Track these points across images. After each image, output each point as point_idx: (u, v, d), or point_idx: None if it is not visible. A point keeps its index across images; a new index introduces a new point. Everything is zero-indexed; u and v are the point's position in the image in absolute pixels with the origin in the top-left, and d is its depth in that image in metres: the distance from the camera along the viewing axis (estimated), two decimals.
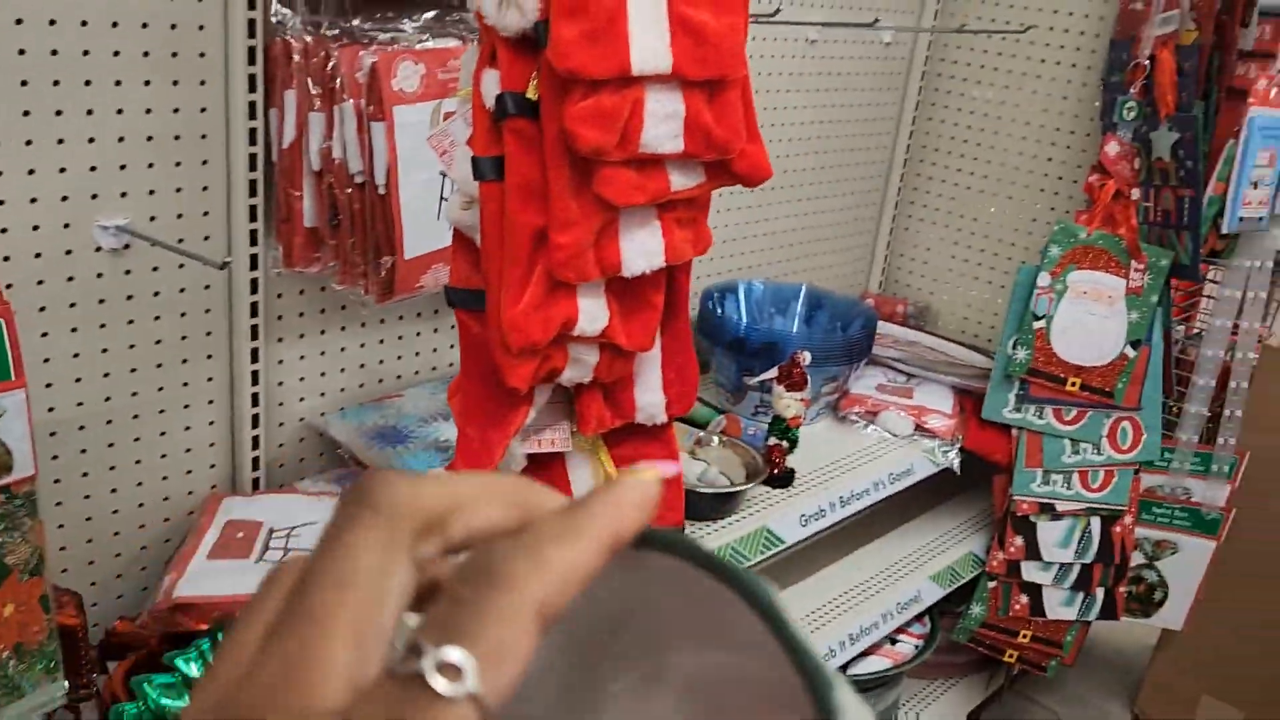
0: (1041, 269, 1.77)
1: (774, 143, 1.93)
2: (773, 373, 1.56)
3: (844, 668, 1.70)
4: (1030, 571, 1.88)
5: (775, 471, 1.54)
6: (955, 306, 2.24)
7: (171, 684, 1.13)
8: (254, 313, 1.31)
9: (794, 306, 1.91)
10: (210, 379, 1.34)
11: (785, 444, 1.54)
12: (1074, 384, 1.78)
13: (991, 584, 1.90)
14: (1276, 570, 2.07)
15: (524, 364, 0.83)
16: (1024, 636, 1.94)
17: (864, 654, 1.74)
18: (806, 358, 1.54)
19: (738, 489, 1.43)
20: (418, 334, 1.55)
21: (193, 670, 1.14)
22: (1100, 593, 1.91)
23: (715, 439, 1.55)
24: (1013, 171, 2.14)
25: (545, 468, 0.93)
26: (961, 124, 2.18)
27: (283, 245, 1.27)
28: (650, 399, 0.93)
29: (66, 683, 1.00)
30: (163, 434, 1.32)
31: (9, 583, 0.93)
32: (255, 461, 1.40)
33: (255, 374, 1.36)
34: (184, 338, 1.29)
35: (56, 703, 0.99)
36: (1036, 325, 1.77)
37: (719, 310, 1.81)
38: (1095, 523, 1.86)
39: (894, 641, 1.80)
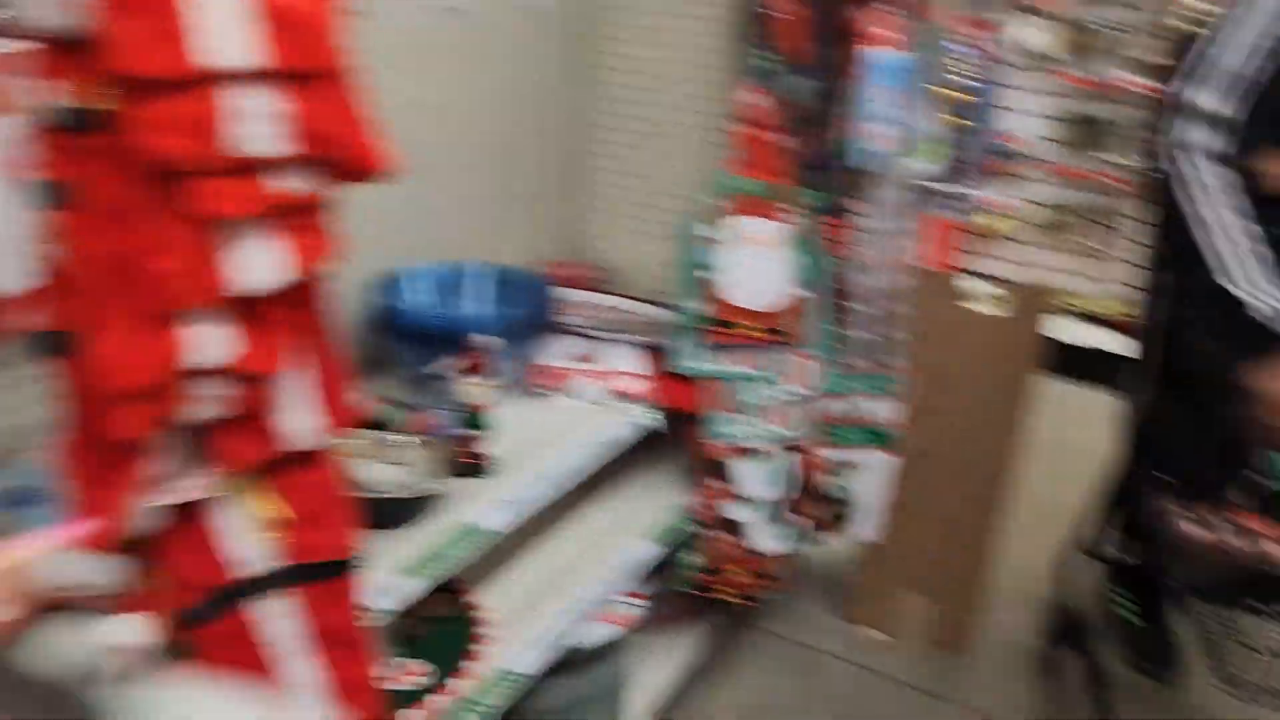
0: (704, 220, 1.82)
1: (430, 120, 1.85)
2: (452, 360, 1.50)
3: (569, 641, 1.69)
4: (734, 512, 1.95)
5: (470, 462, 1.49)
6: (643, 266, 2.27)
7: None
8: None
9: (471, 286, 1.86)
10: None
11: (475, 432, 1.49)
12: (749, 327, 1.86)
13: (702, 531, 1.96)
14: (947, 472, 2.28)
15: (131, 410, 0.73)
16: (737, 575, 2.02)
17: (588, 624, 1.74)
18: (486, 341, 1.50)
19: (427, 488, 1.37)
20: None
21: None
22: (799, 521, 2.03)
23: (404, 438, 1.48)
24: (678, 128, 2.18)
25: (186, 518, 0.83)
26: (629, 84, 2.19)
27: None
28: (300, 424, 0.85)
29: None
30: None
31: None
32: None
33: None
34: None
35: None
36: (706, 276, 1.82)
37: (392, 300, 1.72)
38: (786, 456, 1.96)
39: (616, 605, 1.82)
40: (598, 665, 1.76)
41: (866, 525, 2.30)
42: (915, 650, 2.45)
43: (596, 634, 1.74)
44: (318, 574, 0.90)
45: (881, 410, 2.16)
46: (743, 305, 1.83)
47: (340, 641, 0.92)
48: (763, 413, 1.91)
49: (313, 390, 0.86)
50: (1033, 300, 2.14)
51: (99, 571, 0.83)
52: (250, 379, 0.80)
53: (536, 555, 1.74)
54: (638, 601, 1.85)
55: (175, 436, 0.80)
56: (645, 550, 1.82)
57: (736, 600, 2.08)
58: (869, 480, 2.22)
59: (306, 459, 0.88)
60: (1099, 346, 3.97)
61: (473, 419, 1.49)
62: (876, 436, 2.19)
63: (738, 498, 1.93)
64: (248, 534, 0.86)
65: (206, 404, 0.78)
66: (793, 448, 1.96)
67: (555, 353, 1.86)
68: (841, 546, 2.48)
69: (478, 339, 1.49)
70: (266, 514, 0.86)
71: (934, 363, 2.21)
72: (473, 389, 1.48)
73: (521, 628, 1.56)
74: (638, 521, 1.86)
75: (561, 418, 1.72)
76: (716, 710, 2.21)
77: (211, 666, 0.84)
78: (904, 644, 2.46)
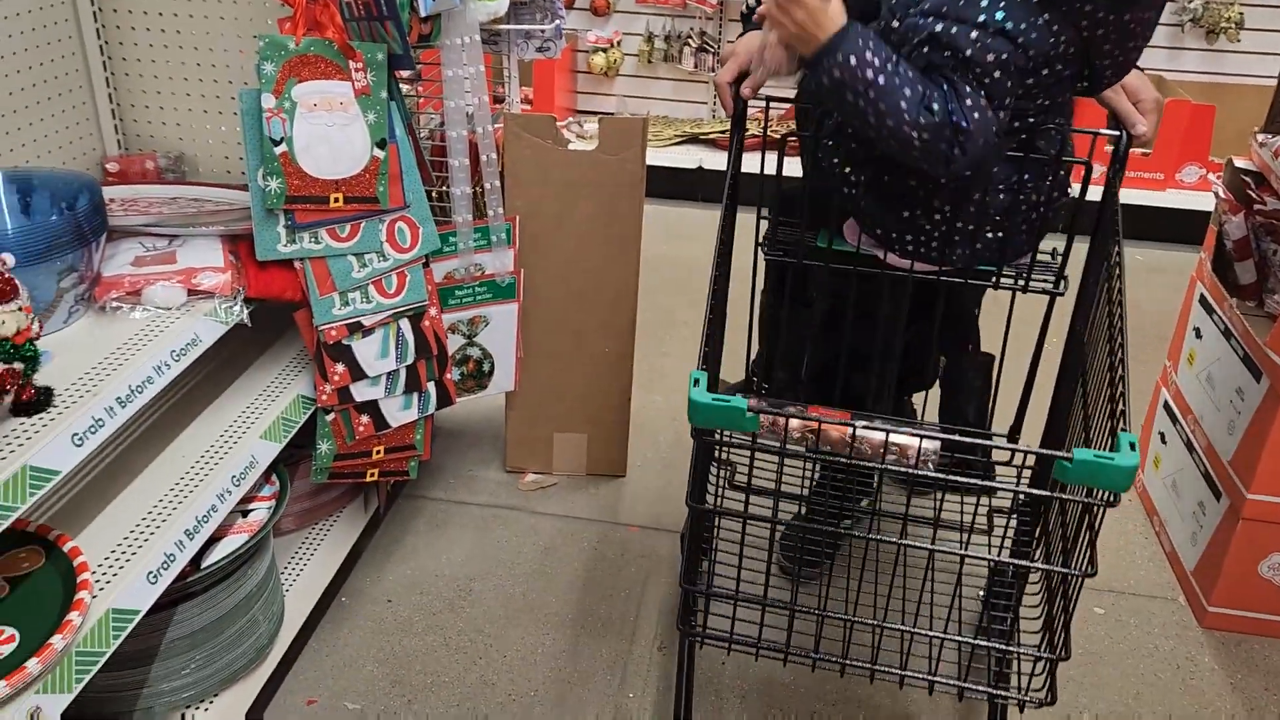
0: (263, 90, 1.67)
1: None
2: None
3: (196, 560, 1.59)
4: (361, 391, 1.89)
5: (21, 399, 1.31)
6: (210, 148, 2.07)
7: None
8: None
9: None
10: None
11: (20, 365, 1.31)
12: (337, 199, 1.75)
13: (329, 417, 1.88)
14: (571, 308, 2.33)
15: None
16: (378, 453, 1.98)
17: (214, 540, 1.65)
18: (7, 260, 1.30)
19: None
20: None
21: None
22: (431, 386, 2.00)
23: None
24: None
25: None
26: None
27: None
28: None
29: None
30: None
31: None
32: None
33: None
34: None
35: None
36: (278, 150, 1.68)
37: None
38: (405, 325, 1.91)
39: (246, 514, 1.73)
40: (230, 579, 1.67)
41: (504, 377, 2.31)
42: (577, 484, 2.55)
43: (226, 546, 1.65)
44: None
45: (496, 262, 2.15)
46: (327, 176, 1.72)
47: None
48: (373, 286, 1.83)
49: None
50: (628, 132, 2.18)
51: None
52: None
53: (143, 479, 1.60)
54: (266, 504, 1.76)
55: None
56: (264, 450, 1.73)
57: (382, 478, 2.04)
58: (498, 333, 2.23)
59: None
60: (713, 167, 4.18)
61: (12, 351, 1.30)
62: (496, 289, 2.18)
63: (361, 376, 1.86)
64: None
65: None
66: (408, 315, 1.90)
67: (123, 260, 1.67)
68: (489, 400, 2.50)
69: (0, 259, 1.30)
70: None
71: (540, 206, 2.22)
72: (4, 317, 1.29)
73: (129, 562, 1.44)
74: (256, 421, 1.75)
75: (135, 330, 1.55)
76: (389, 588, 2.20)
77: None
78: (564, 481, 2.56)
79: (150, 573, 1.45)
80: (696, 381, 1.35)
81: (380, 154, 1.77)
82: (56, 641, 1.25)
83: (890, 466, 1.43)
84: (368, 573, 2.23)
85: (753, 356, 2.07)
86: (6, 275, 1.29)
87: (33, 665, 1.21)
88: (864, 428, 1.40)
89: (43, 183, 1.63)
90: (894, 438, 1.42)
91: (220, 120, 2.04)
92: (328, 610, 2.12)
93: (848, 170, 1.68)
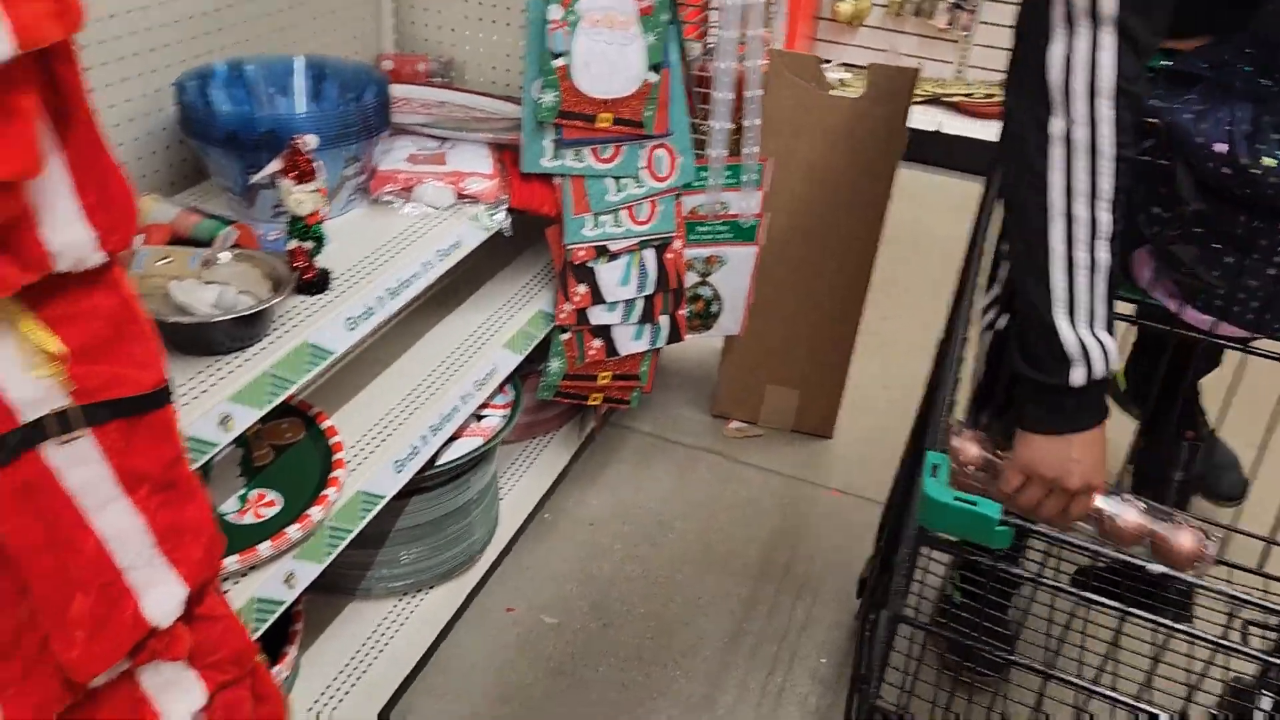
0: (551, 1, 1.66)
1: None
2: (276, 166, 1.35)
3: (433, 459, 1.63)
4: (598, 315, 1.89)
5: (304, 278, 1.36)
6: (479, 57, 2.09)
7: None
8: None
9: (294, 83, 1.66)
10: None
11: (309, 244, 1.36)
12: (605, 119, 1.74)
13: (564, 336, 1.89)
14: (806, 261, 2.26)
15: None
16: (604, 378, 1.98)
17: (451, 439, 1.68)
18: (310, 142, 1.34)
19: (261, 307, 1.25)
20: None
21: None
22: (664, 320, 1.98)
23: (227, 255, 1.33)
24: None
25: None
26: None
27: None
28: (69, 237, 0.72)
29: None
30: None
31: None
32: None
33: None
34: None
35: None
36: (557, 64, 1.68)
37: (203, 101, 1.53)
38: (649, 255, 1.89)
39: (480, 418, 1.76)
40: (462, 479, 1.71)
41: (731, 320, 2.27)
42: (782, 439, 2.50)
43: (460, 448, 1.69)
44: (116, 411, 0.79)
45: (742, 203, 2.10)
46: (598, 95, 1.70)
47: (158, 483, 0.82)
48: (625, 211, 1.81)
49: (80, 196, 0.73)
50: (896, 82, 2.07)
51: None
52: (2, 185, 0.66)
53: (394, 371, 1.65)
54: (500, 412, 1.79)
55: None
56: (505, 359, 1.75)
57: (603, 403, 2.04)
58: (732, 275, 2.18)
59: (85, 279, 0.75)
60: (953, 132, 3.98)
61: (304, 231, 1.35)
62: (738, 230, 2.13)
63: (600, 300, 1.86)
64: (24, 371, 0.74)
65: None
66: (654, 245, 1.88)
67: (398, 156, 1.71)
68: (706, 343, 2.47)
69: (305, 141, 1.33)
70: (42, 347, 0.74)
71: (793, 150, 2.15)
72: (303, 197, 1.33)
73: (379, 448, 1.49)
74: (499, 330, 1.77)
75: (406, 225, 1.59)
76: (591, 513, 2.22)
77: (12, 523, 0.74)
78: (772, 434, 2.51)
79: (397, 461, 1.49)
80: (935, 469, 1.07)
81: (653, 78, 1.74)
82: (315, 513, 1.30)
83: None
84: (572, 494, 2.25)
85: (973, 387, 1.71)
86: (309, 156, 1.33)
87: (293, 531, 1.27)
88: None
89: (334, 72, 1.68)
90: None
91: (493, 30, 2.05)
92: (531, 524, 2.15)
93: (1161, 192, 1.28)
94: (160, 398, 0.81)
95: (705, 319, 2.24)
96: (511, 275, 1.92)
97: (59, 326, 0.75)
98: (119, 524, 0.80)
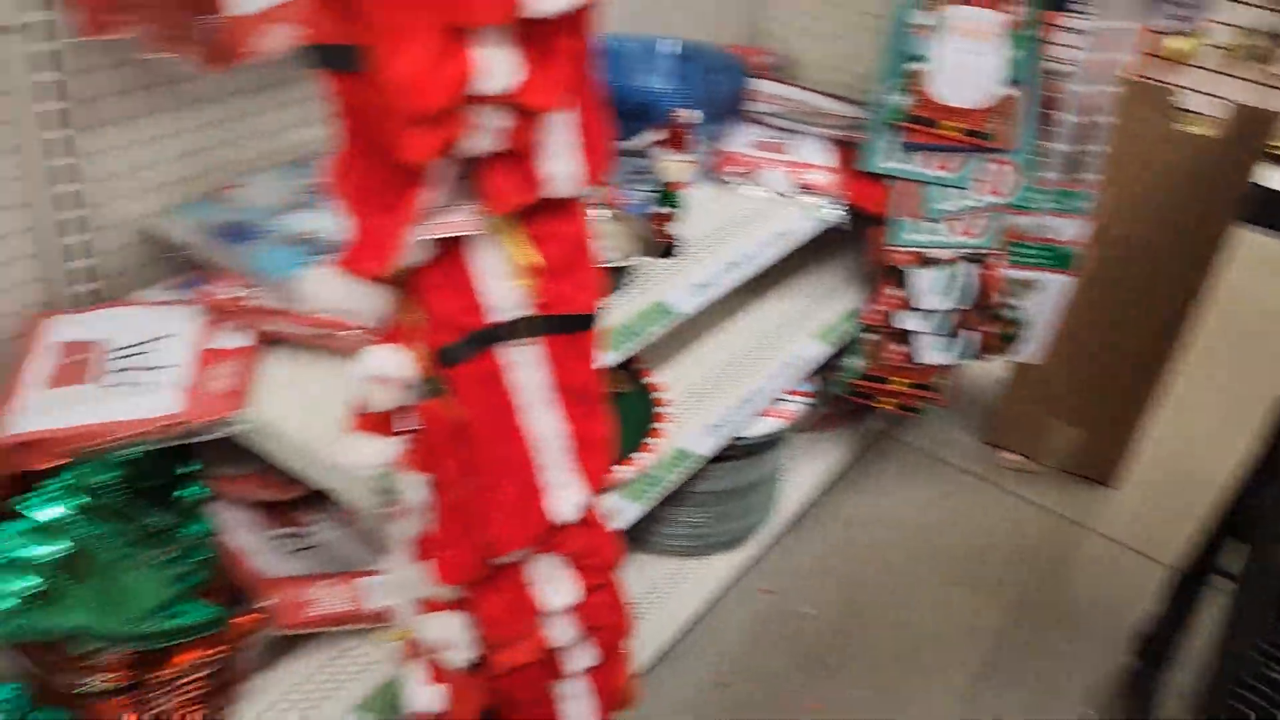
0: (919, 5, 1.68)
1: None
2: (653, 135, 1.45)
3: (737, 429, 1.70)
4: (906, 320, 1.90)
5: (661, 241, 1.46)
6: (822, 56, 2.14)
7: (27, 530, 1.00)
8: (60, 94, 1.09)
9: (663, 62, 1.77)
10: (18, 178, 1.12)
11: (670, 211, 1.45)
12: (951, 127, 1.74)
13: (868, 336, 1.92)
14: (1126, 303, 2.18)
15: (422, 133, 0.70)
16: (899, 384, 1.99)
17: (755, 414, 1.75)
18: (692, 116, 1.43)
19: (627, 263, 1.35)
20: (258, 111, 1.35)
21: (50, 513, 1.02)
22: (970, 335, 1.96)
23: (597, 212, 1.44)
24: None
25: (448, 255, 0.81)
26: None
27: (78, 5, 1.04)
28: (561, 168, 0.82)
29: None
30: None
31: None
32: (84, 273, 1.22)
33: (70, 169, 1.15)
34: None
35: None
36: (914, 67, 1.70)
37: None
38: (967, 268, 1.88)
39: (782, 401, 1.81)
40: (759, 456, 1.77)
41: (1032, 347, 2.22)
42: (1057, 479, 2.42)
43: (761, 426, 1.75)
44: (564, 326, 0.89)
45: (1068, 229, 2.05)
46: (948, 102, 1.72)
47: (580, 397, 0.92)
48: (950, 220, 1.82)
49: (576, 135, 0.82)
50: (1255, 124, 1.96)
51: (366, 299, 0.83)
52: (526, 112, 0.76)
53: (711, 342, 1.73)
54: (801, 399, 1.84)
55: (449, 167, 0.77)
56: (814, 349, 1.79)
57: (893, 409, 2.05)
58: (1043, 301, 2.13)
59: (562, 207, 0.85)
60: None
61: (667, 197, 1.44)
62: (1058, 257, 2.08)
63: (912, 306, 1.87)
64: (502, 278, 0.84)
65: (484, 135, 0.75)
66: (974, 259, 1.87)
67: (743, 140, 1.79)
68: (995, 367, 2.42)
69: (681, 114, 1.43)
70: (521, 260, 0.84)
71: (1131, 184, 2.07)
72: (671, 166, 1.43)
73: (696, 411, 1.57)
74: (810, 319, 1.82)
75: (747, 206, 1.66)
76: (853, 515, 2.24)
77: (464, 407, 0.85)
78: (1047, 472, 2.44)
79: (711, 425, 1.56)
80: None
81: (1008, 92, 1.74)
82: (643, 458, 1.39)
83: None
84: (837, 494, 2.27)
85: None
86: (688, 130, 1.42)
87: (624, 471, 1.36)
88: None
89: (699, 54, 1.77)
90: None
91: (840, 30, 2.09)
92: (797, 515, 2.19)
93: None
94: (594, 320, 0.91)
95: (1005, 342, 2.20)
96: (825, 268, 1.96)
97: (540, 244, 0.85)
98: (546, 426, 0.90)
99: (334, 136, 0.77)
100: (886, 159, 1.77)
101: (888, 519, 2.24)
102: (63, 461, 1.05)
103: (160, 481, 1.10)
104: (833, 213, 1.71)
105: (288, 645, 1.12)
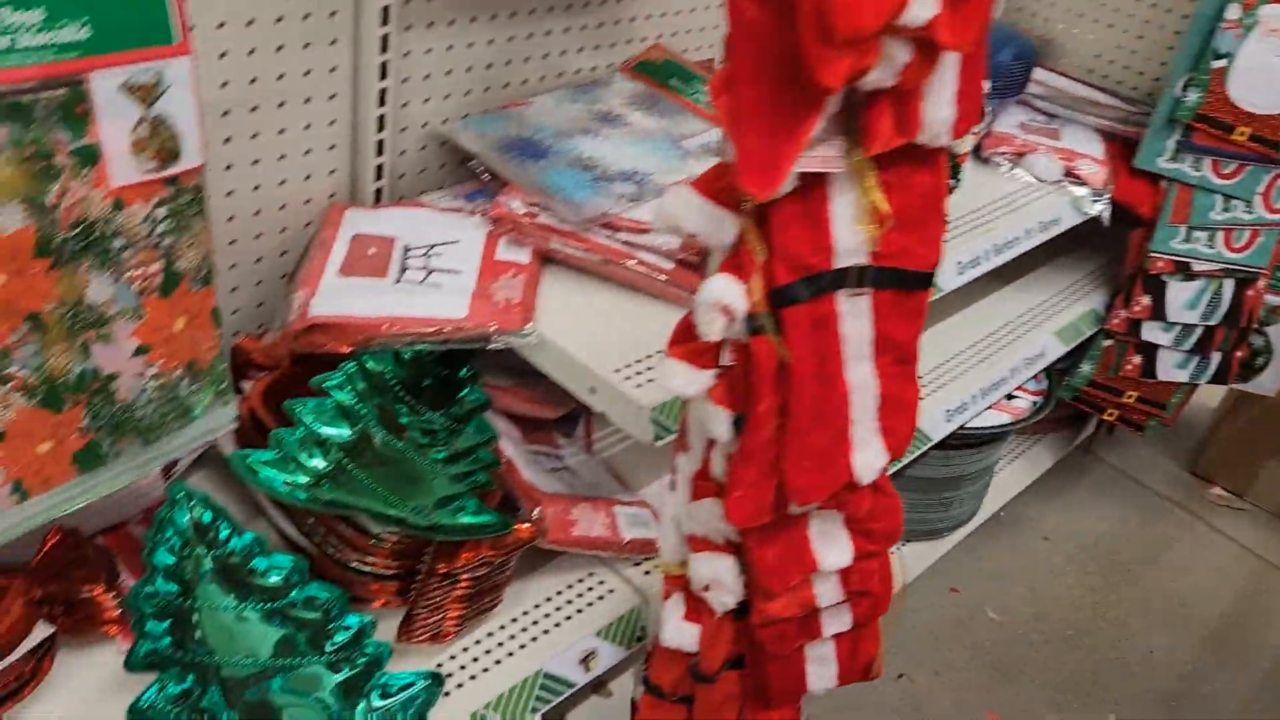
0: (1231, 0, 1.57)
1: None
2: None
3: (966, 417, 1.64)
4: (1151, 331, 1.80)
5: None
6: (1084, 44, 2.02)
7: (326, 409, 1.03)
8: None
9: None
10: (334, 69, 1.15)
11: (952, 184, 1.39)
12: (1242, 133, 1.63)
13: (1107, 342, 1.82)
14: None
15: (843, 57, 0.68)
16: (1129, 396, 1.89)
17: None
18: (984, 86, 1.37)
19: None
20: (547, 32, 1.35)
21: (345, 397, 1.04)
22: (1217, 356, 1.85)
23: None
24: None
25: (808, 191, 0.79)
26: None
27: None
28: (939, 114, 0.78)
29: (235, 409, 0.89)
30: (281, 131, 1.15)
31: (179, 292, 0.79)
32: (378, 170, 1.24)
33: (383, 66, 1.17)
34: (306, 16, 1.10)
35: (225, 428, 0.89)
36: (1214, 64, 1.59)
37: None
38: (1229, 285, 1.76)
39: (1010, 397, 1.74)
40: (981, 449, 1.71)
41: (1272, 380, 2.08)
42: (1267, 520, 2.28)
43: (988, 418, 1.68)
44: (901, 281, 0.85)
45: None
46: (1247, 107, 1.60)
47: (899, 357, 0.88)
48: (1222, 233, 1.70)
49: (958, 82, 0.78)
50: None
51: (720, 225, 0.81)
52: (929, 49, 0.73)
53: (956, 326, 1.67)
54: (1030, 397, 1.76)
55: (840, 99, 0.74)
56: (1053, 347, 1.71)
57: (1114, 422, 1.95)
58: None
59: (924, 156, 0.81)
60: None
61: (955, 169, 1.39)
62: None
63: (1160, 316, 1.77)
64: (853, 223, 0.81)
65: (888, 68, 0.72)
66: (1238, 277, 1.75)
67: (1010, 121, 1.71)
68: (1210, 394, 2.28)
69: None
70: (873, 206, 0.81)
71: None
72: (964, 138, 1.37)
73: (937, 393, 1.52)
74: (1053, 316, 1.74)
75: (1013, 189, 1.59)
76: (1045, 525, 2.15)
77: (791, 349, 0.83)
78: (1256, 512, 2.29)
79: (948, 410, 1.51)
80: None
81: None
82: None
83: None
84: (1033, 502, 2.19)
85: None
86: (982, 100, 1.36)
87: None
88: None
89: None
90: None
91: (1111, 18, 1.97)
92: (990, 518, 2.12)
93: None
94: (930, 279, 0.87)
95: (1246, 370, 2.07)
96: (1070, 265, 1.87)
97: (890, 192, 0.81)
98: (862, 380, 0.87)
99: (726, 52, 0.75)
100: (1166, 158, 1.66)
101: (1085, 536, 2.14)
102: (353, 349, 1.08)
103: (439, 383, 1.12)
104: (1098, 207, 1.62)
105: (537, 561, 1.13)
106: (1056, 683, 1.81)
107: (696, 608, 1.00)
